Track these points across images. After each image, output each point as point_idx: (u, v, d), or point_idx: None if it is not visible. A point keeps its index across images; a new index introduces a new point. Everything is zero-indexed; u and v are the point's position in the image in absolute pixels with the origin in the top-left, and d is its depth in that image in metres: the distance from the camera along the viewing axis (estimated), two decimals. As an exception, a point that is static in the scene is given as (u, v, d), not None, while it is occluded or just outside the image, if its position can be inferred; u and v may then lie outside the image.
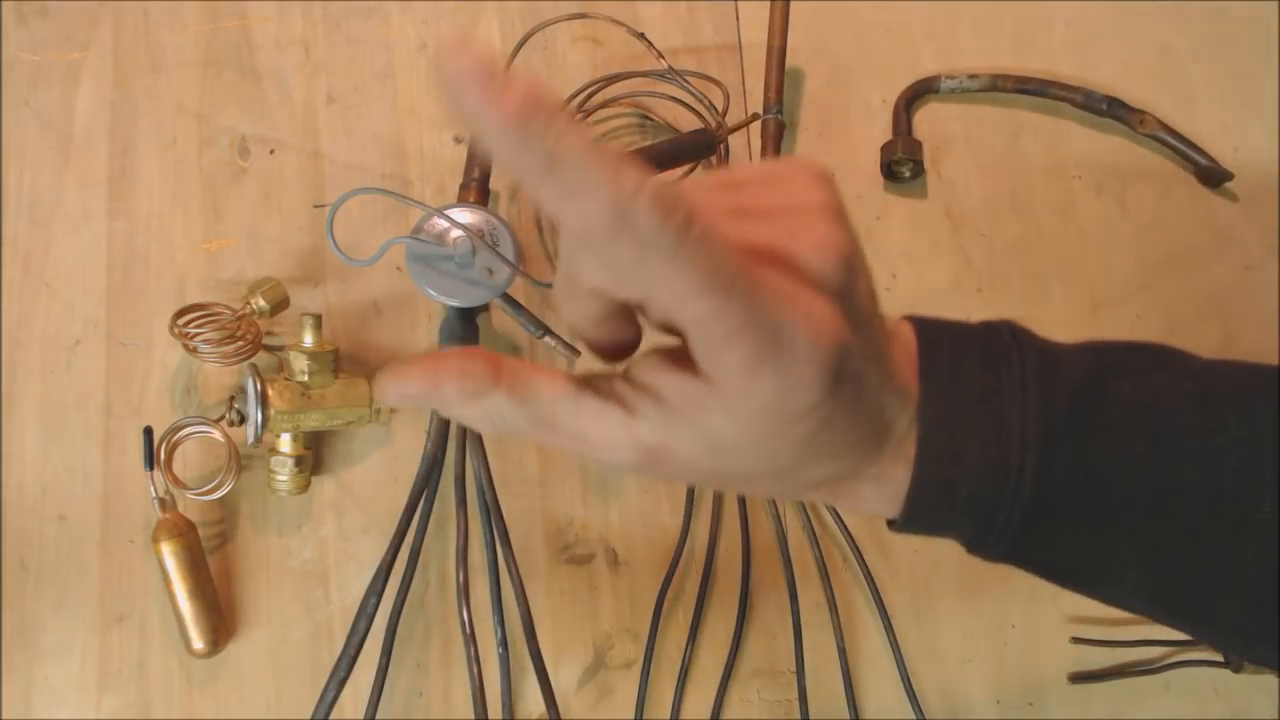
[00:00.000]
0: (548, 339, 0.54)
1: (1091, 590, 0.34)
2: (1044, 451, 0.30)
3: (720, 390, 0.26)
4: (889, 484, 0.30)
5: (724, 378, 0.26)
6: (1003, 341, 0.31)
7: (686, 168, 0.55)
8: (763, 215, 0.27)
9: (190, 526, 0.51)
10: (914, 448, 0.30)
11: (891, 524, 0.32)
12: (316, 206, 0.58)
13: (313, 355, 0.51)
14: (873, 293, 0.29)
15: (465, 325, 0.52)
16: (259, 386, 0.50)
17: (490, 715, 0.49)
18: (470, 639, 0.49)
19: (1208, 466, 0.30)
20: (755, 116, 0.59)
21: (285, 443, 0.51)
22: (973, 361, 0.30)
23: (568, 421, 0.29)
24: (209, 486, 0.51)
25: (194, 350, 0.52)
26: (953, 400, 0.30)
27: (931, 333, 0.31)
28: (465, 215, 0.52)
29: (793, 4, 0.60)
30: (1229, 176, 0.62)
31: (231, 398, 0.52)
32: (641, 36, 0.58)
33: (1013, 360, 0.31)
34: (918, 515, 0.31)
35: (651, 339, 0.30)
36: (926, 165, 0.61)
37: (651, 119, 0.61)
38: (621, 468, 0.29)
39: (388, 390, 0.29)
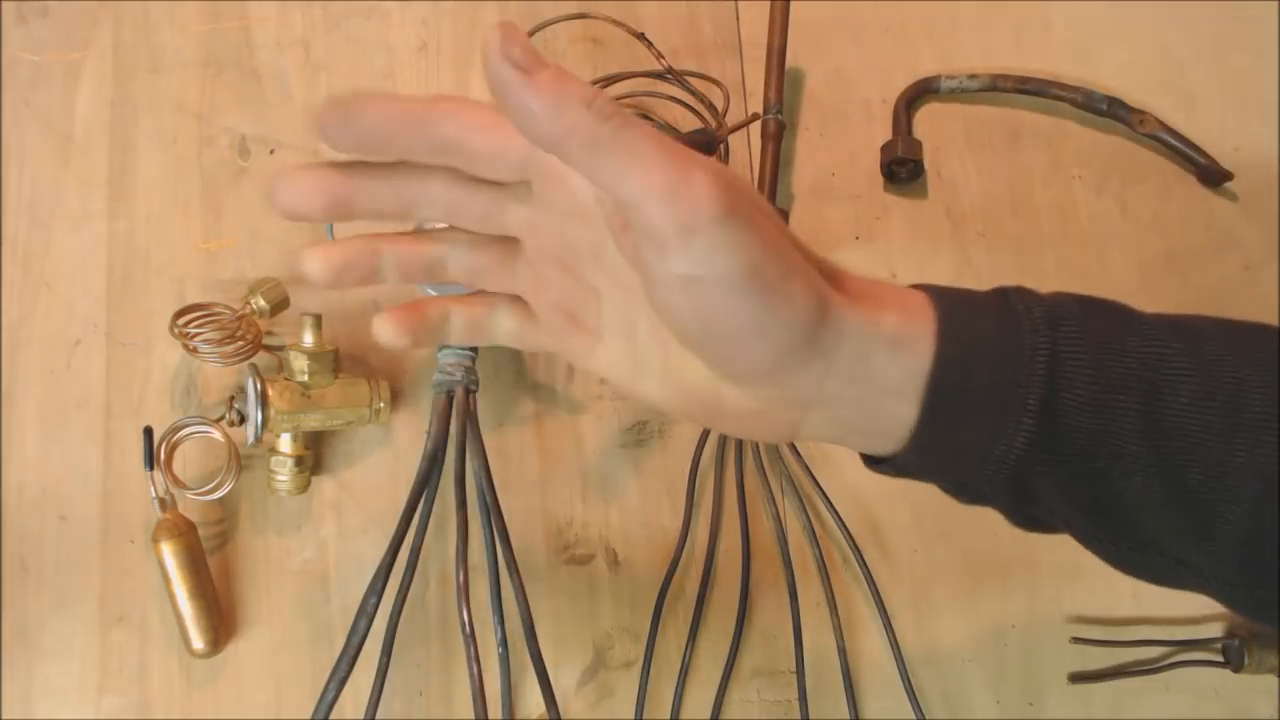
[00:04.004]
0: (548, 339, 0.54)
1: (1102, 511, 0.34)
2: (1053, 329, 0.32)
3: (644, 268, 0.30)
4: (896, 363, 0.32)
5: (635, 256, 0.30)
6: (1004, 288, 0.34)
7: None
8: None
9: (190, 526, 0.51)
10: (928, 343, 0.32)
11: (894, 457, 0.34)
12: (316, 206, 0.57)
13: (313, 355, 0.51)
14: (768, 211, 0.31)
15: (465, 325, 0.52)
16: (259, 386, 0.50)
17: (490, 715, 0.49)
18: (470, 639, 0.49)
19: (1190, 348, 0.32)
20: (755, 116, 0.59)
21: (285, 443, 0.51)
22: (979, 292, 0.34)
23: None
24: (209, 486, 0.51)
25: (194, 350, 0.52)
26: (966, 305, 0.33)
27: (937, 287, 0.34)
28: (465, 215, 0.52)
29: (793, 4, 0.60)
30: (1229, 176, 0.62)
31: (231, 398, 0.52)
32: (641, 37, 0.58)
33: (1015, 291, 0.34)
34: (939, 401, 0.32)
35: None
36: (926, 165, 0.61)
37: (651, 119, 0.61)
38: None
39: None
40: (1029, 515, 0.35)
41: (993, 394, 0.32)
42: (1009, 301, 0.33)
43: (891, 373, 0.32)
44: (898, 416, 0.32)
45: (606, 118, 0.27)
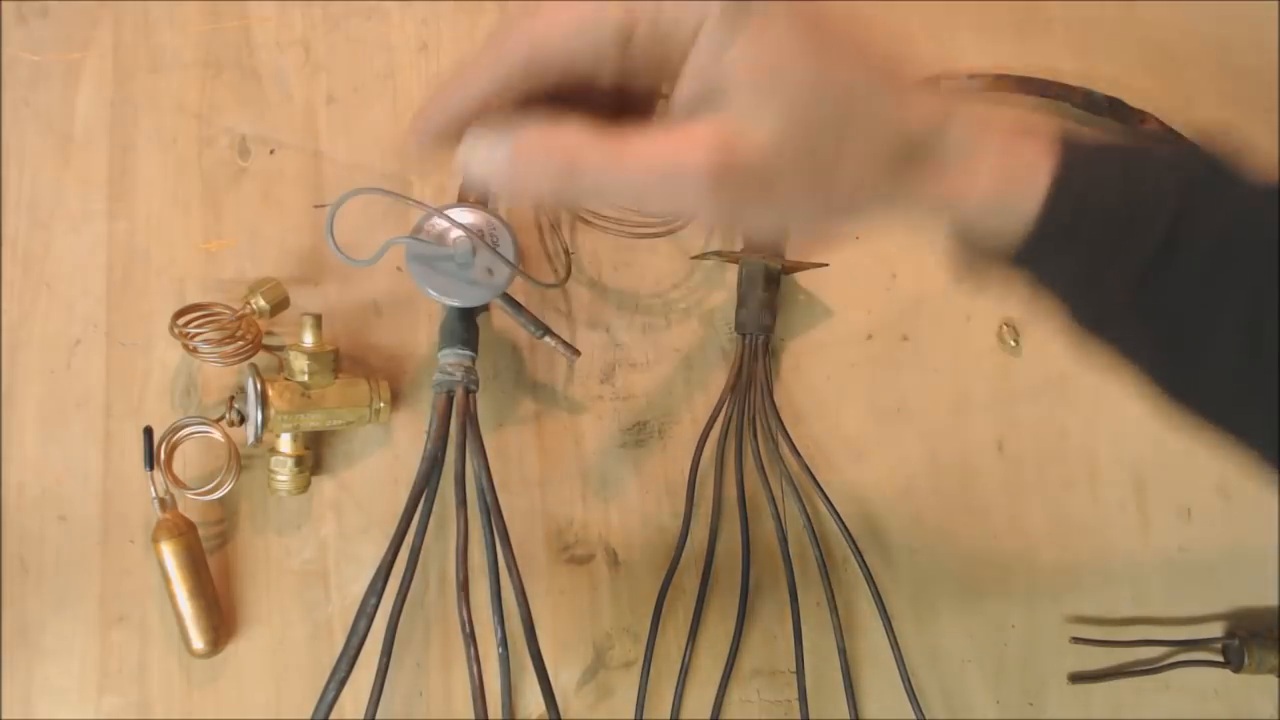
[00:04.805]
0: (548, 339, 0.54)
1: (1182, 352, 0.35)
2: (1186, 179, 0.32)
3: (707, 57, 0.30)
4: (1008, 190, 0.32)
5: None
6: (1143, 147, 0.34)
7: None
8: None
9: (190, 526, 0.51)
10: (1048, 158, 0.32)
11: (1013, 255, 0.34)
12: (317, 206, 0.58)
13: (313, 355, 0.51)
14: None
15: (465, 325, 0.52)
16: (259, 386, 0.50)
17: (490, 715, 0.49)
18: (470, 639, 0.49)
19: None
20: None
21: (285, 443, 0.51)
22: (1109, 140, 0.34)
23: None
24: (209, 486, 0.51)
25: (194, 350, 0.52)
26: (1093, 145, 0.33)
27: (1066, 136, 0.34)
28: (465, 215, 0.52)
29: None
30: (1229, 176, 0.62)
31: (231, 398, 0.52)
32: None
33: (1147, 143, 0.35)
34: (1047, 230, 0.32)
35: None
36: (926, 165, 0.61)
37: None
38: (693, 183, 0.30)
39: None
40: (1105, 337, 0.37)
41: (1107, 221, 0.32)
42: (1139, 143, 0.34)
43: (989, 225, 0.33)
44: (997, 256, 0.34)
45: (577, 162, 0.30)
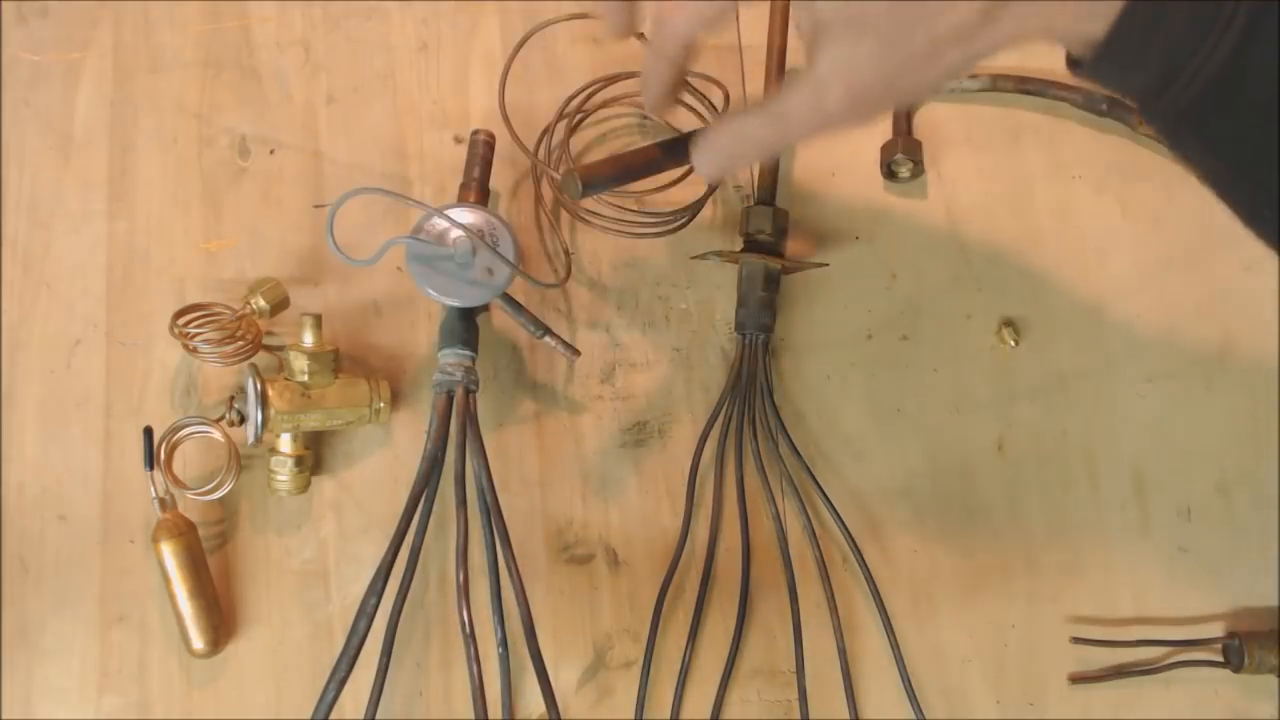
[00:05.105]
0: (548, 339, 0.54)
1: (1248, 170, 0.39)
2: (1259, 4, 0.34)
3: None
4: (1086, 9, 0.36)
5: None
6: None
7: (685, 169, 0.55)
8: None
9: (190, 526, 0.51)
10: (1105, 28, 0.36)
11: (1074, 64, 0.39)
12: (316, 206, 0.58)
13: (313, 355, 0.51)
14: None
15: (465, 325, 0.52)
16: (259, 386, 0.50)
17: (490, 715, 0.49)
18: (470, 639, 0.49)
19: None
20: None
21: (285, 443, 0.51)
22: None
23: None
24: (209, 486, 0.51)
25: (194, 350, 0.52)
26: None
27: None
28: (465, 215, 0.52)
29: (793, 4, 0.60)
30: (1229, 176, 0.62)
31: (231, 398, 0.52)
32: (641, 37, 0.58)
33: None
34: (1114, 48, 0.36)
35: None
36: (926, 165, 0.61)
37: (651, 119, 0.61)
38: (840, 114, 0.40)
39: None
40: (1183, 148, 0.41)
41: (1174, 40, 0.35)
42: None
43: (1077, 18, 0.37)
44: (1076, 33, 0.38)
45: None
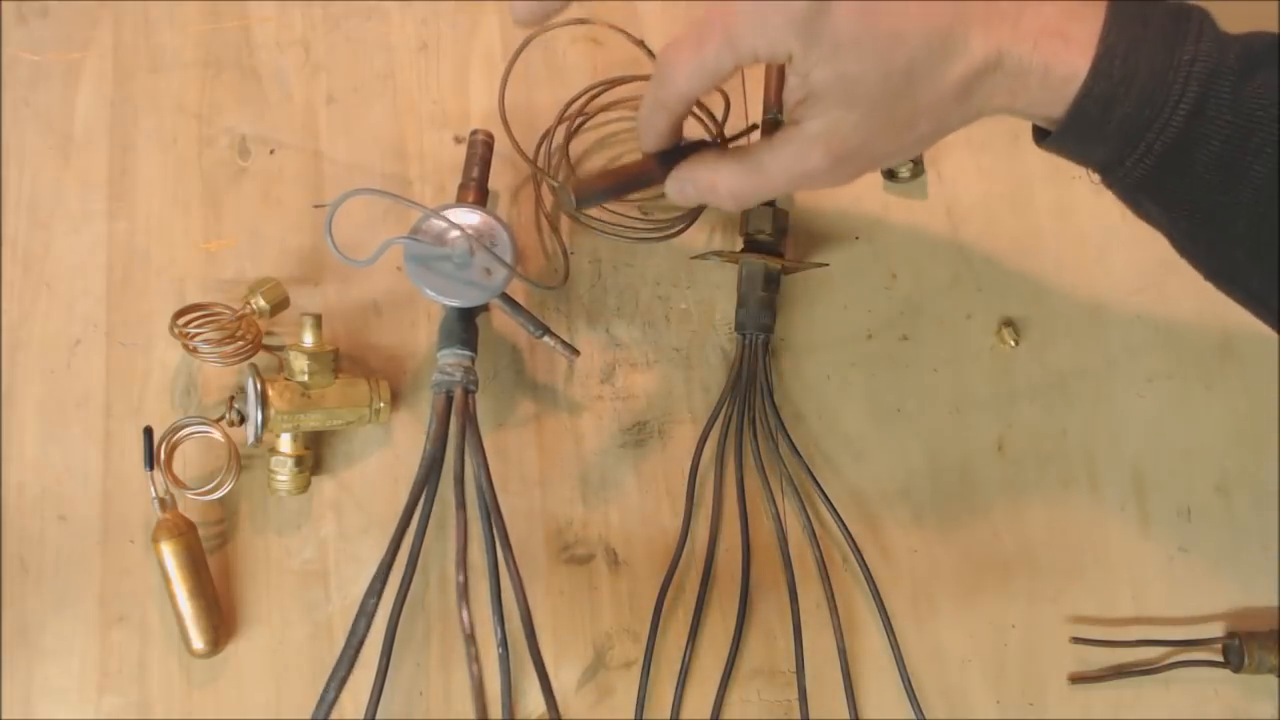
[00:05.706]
0: (547, 339, 0.54)
1: (1202, 230, 0.42)
2: (1204, 86, 0.38)
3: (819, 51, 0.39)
4: (1047, 92, 0.40)
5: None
6: (1186, 8, 0.39)
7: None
8: None
9: (190, 526, 0.51)
10: (1087, 54, 0.38)
11: (1041, 137, 0.43)
12: (316, 206, 0.58)
13: (313, 355, 0.51)
14: None
15: (464, 325, 0.52)
16: (259, 386, 0.50)
17: (490, 715, 0.49)
18: (470, 639, 0.49)
19: None
20: (754, 127, 0.59)
21: (285, 443, 0.51)
22: (1159, 13, 0.39)
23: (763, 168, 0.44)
24: (209, 486, 0.51)
25: (194, 350, 0.52)
26: (1133, 31, 0.38)
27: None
28: (464, 216, 0.52)
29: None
30: (1229, 176, 0.62)
31: (231, 398, 0.52)
32: (641, 44, 0.58)
33: (1193, 17, 0.39)
34: (1074, 126, 0.40)
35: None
36: (926, 165, 0.61)
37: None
38: (819, 174, 0.42)
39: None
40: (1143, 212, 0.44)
41: (1124, 129, 0.39)
42: (1177, 40, 0.38)
43: (1034, 117, 0.42)
44: (1040, 114, 0.41)
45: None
